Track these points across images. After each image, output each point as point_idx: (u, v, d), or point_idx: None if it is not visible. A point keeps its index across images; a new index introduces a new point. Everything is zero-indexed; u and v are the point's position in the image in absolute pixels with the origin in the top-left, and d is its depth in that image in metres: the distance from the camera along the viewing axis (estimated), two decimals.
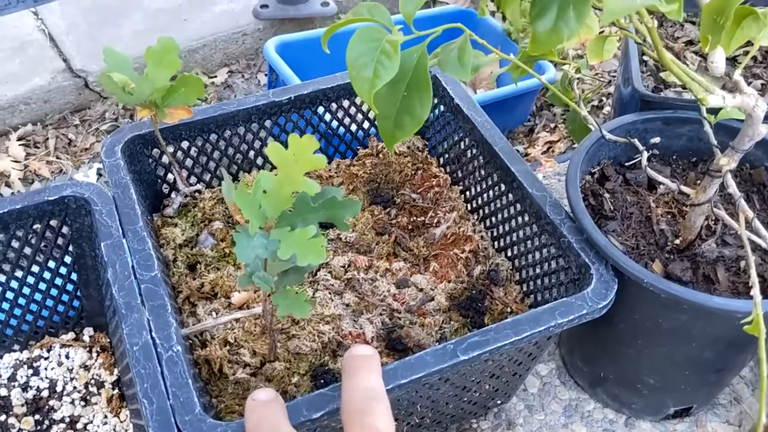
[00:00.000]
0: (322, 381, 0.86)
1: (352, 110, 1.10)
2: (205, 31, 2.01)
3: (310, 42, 1.74)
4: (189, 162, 1.04)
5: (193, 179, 1.06)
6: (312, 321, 0.92)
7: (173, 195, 1.04)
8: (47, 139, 1.84)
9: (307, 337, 0.90)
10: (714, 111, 0.85)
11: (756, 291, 0.66)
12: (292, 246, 0.70)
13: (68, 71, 1.88)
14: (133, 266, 0.82)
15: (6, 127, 1.83)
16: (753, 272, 0.68)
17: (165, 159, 1.02)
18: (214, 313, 0.92)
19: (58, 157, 1.80)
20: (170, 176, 1.04)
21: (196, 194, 1.05)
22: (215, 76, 2.01)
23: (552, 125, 1.87)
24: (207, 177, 1.07)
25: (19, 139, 1.82)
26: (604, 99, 1.84)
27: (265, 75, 2.04)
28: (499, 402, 1.00)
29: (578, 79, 0.97)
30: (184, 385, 0.72)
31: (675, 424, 1.01)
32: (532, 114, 1.93)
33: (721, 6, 0.73)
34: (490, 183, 0.99)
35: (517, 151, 1.82)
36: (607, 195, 0.93)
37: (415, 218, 1.06)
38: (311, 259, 0.69)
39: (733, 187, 0.75)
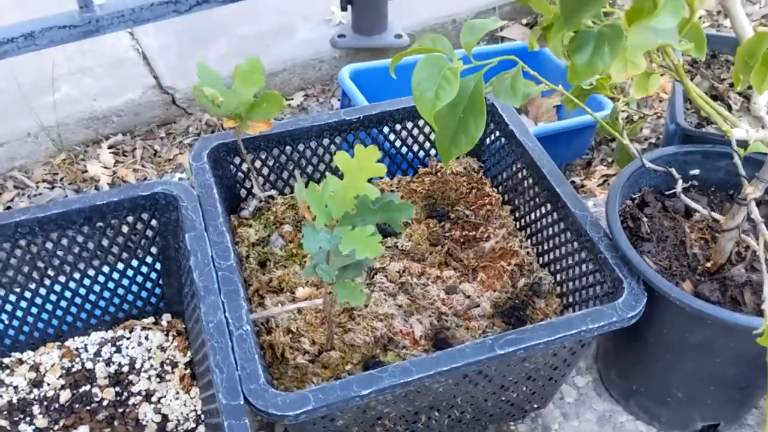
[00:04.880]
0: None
1: (415, 131, 1.20)
2: (286, 57, 2.15)
3: (381, 70, 1.85)
4: (265, 170, 1.16)
5: (267, 186, 1.17)
6: (366, 317, 1.01)
7: (249, 199, 1.15)
8: (135, 148, 2.00)
9: (362, 331, 1.00)
10: (744, 145, 0.92)
11: (767, 305, 0.73)
12: (352, 242, 0.80)
13: (158, 88, 2.04)
14: (212, 256, 0.93)
15: (99, 135, 2.00)
16: (766, 288, 0.74)
17: (244, 166, 1.13)
18: (279, 305, 1.02)
19: (143, 166, 1.95)
20: (248, 182, 1.15)
21: (270, 199, 1.16)
22: (292, 99, 2.15)
23: (609, 159, 1.94)
24: (280, 185, 1.18)
25: (109, 148, 1.98)
26: (661, 137, 1.89)
27: (338, 100, 2.16)
28: (536, 406, 1.07)
29: (623, 111, 1.05)
30: (251, 359, 0.82)
31: None
32: (591, 148, 2.00)
33: (752, 49, 0.80)
34: (537, 202, 1.08)
35: (573, 182, 1.89)
36: (645, 219, 1.01)
37: (467, 232, 1.15)
38: (368, 253, 0.79)
39: (755, 213, 0.81)
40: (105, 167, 1.93)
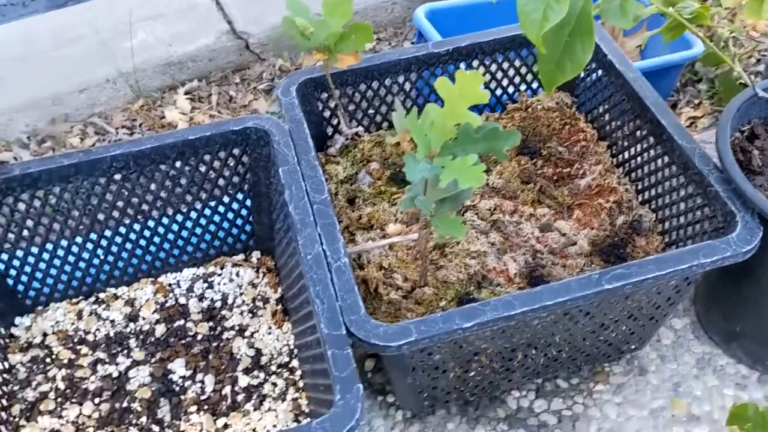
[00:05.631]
0: None
1: (505, 65, 1.15)
2: (358, 0, 2.10)
3: (458, 9, 1.80)
4: (351, 107, 1.13)
5: (353, 123, 1.15)
6: (459, 255, 0.99)
7: (336, 136, 1.13)
8: (210, 94, 2.00)
9: (455, 268, 0.97)
10: None
11: None
12: (453, 172, 0.77)
13: (231, 33, 2.03)
14: (306, 189, 0.92)
15: (175, 81, 2.00)
16: None
17: (331, 102, 1.11)
18: (370, 241, 1.01)
19: (219, 112, 1.95)
20: (334, 119, 1.13)
21: (356, 136, 1.14)
22: None
23: (696, 101, 1.85)
24: (366, 122, 1.16)
25: (185, 93, 1.99)
26: (752, 77, 1.81)
27: (411, 43, 2.11)
28: (633, 347, 1.04)
29: (733, 37, 0.99)
30: (351, 291, 0.81)
31: None
32: (676, 90, 1.91)
33: None
34: (638, 136, 1.03)
35: None
36: (756, 152, 0.95)
37: (560, 169, 1.11)
38: (472, 182, 0.76)
39: None
40: (182, 113, 1.93)
